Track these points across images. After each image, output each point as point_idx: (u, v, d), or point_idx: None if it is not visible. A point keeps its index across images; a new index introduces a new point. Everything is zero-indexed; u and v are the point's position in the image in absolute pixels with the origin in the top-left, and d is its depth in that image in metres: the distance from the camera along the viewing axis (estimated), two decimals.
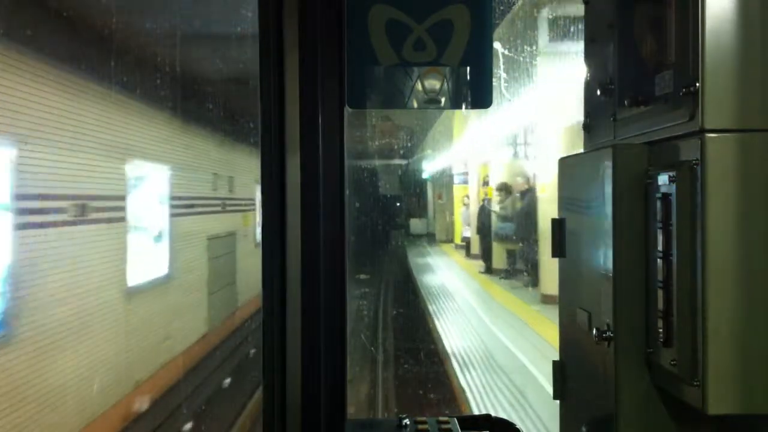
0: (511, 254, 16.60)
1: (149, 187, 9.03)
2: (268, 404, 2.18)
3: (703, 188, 1.24)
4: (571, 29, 11.41)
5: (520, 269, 15.65)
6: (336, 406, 2.22)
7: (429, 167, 29.89)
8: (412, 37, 2.15)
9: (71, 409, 5.88)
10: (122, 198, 7.78)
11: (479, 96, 2.22)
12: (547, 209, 12.13)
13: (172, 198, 9.99)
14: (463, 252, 23.35)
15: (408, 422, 2.03)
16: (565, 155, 1.92)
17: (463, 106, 2.25)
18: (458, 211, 25.09)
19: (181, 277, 10.19)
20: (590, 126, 1.87)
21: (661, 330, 1.34)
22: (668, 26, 1.38)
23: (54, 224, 5.80)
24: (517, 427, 2.24)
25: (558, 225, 1.84)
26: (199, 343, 10.35)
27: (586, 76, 1.87)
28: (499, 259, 17.35)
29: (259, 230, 15.69)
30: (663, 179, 1.33)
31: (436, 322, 12.31)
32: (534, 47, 12.80)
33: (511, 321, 11.52)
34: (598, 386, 1.57)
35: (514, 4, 12.61)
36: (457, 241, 25.16)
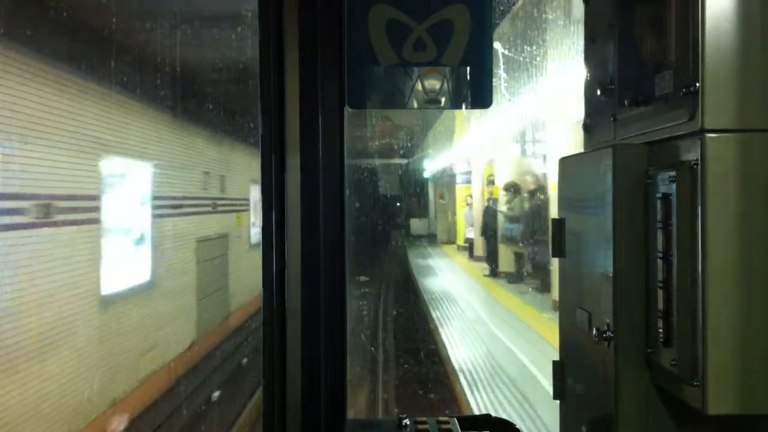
0: (519, 257, 15.73)
1: (129, 185, 8.43)
2: (268, 404, 2.18)
3: (703, 188, 1.24)
4: None
5: (529, 273, 14.72)
6: (336, 406, 2.22)
7: (430, 166, 29.36)
8: (412, 37, 2.15)
9: None
10: (96, 198, 7.16)
11: (479, 96, 2.22)
12: None
13: (156, 198, 9.38)
14: (465, 254, 22.49)
15: (408, 422, 2.03)
16: (565, 155, 1.92)
17: (463, 106, 2.25)
18: (461, 211, 24.34)
19: (166, 282, 9.57)
20: (590, 126, 1.87)
21: (661, 330, 1.34)
22: (668, 26, 1.38)
23: (8, 227, 5.10)
24: (517, 427, 2.24)
25: (558, 225, 1.84)
26: (184, 354, 9.68)
27: (586, 76, 1.87)
28: (506, 261, 16.47)
29: (253, 231, 14.96)
30: (663, 179, 1.33)
31: (441, 331, 11.39)
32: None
33: (524, 331, 10.35)
34: (598, 386, 1.57)
35: (514, 4, 12.59)
36: (460, 242, 24.47)
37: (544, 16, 12.39)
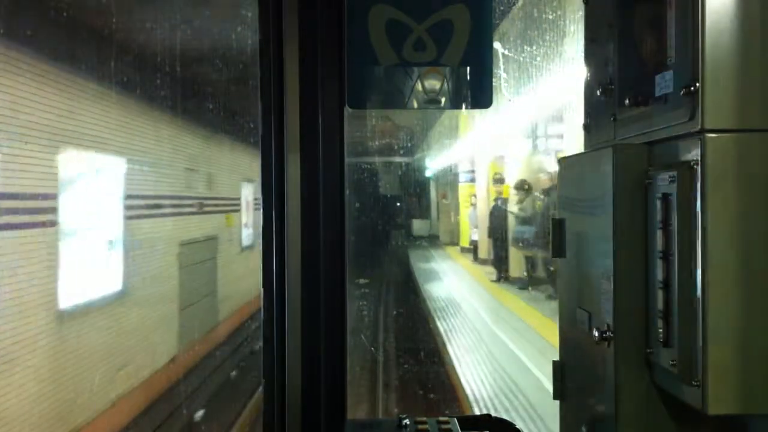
0: (530, 261, 14.39)
1: (96, 183, 7.45)
2: (268, 404, 2.18)
3: (703, 188, 1.24)
4: None
5: (542, 279, 13.31)
6: (336, 406, 2.22)
7: (432, 165, 28.52)
8: (412, 37, 2.15)
9: None
10: (53, 197, 6.29)
11: (479, 96, 2.22)
12: None
13: (129, 197, 8.27)
14: (469, 256, 21.22)
15: (408, 422, 2.03)
16: (565, 155, 1.92)
17: (463, 106, 2.25)
18: (464, 211, 23.19)
19: (141, 291, 8.52)
20: (590, 126, 1.87)
21: (661, 330, 1.34)
22: (668, 26, 1.38)
23: None
24: (517, 427, 2.24)
25: (558, 225, 1.84)
26: (163, 370, 8.63)
27: (586, 76, 1.87)
28: (516, 266, 15.17)
29: (245, 233, 14.46)
30: (663, 179, 1.33)
31: (449, 346, 10.01)
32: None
33: (547, 350, 8.40)
34: (598, 386, 1.57)
35: (514, 4, 12.54)
36: (464, 243, 23.22)
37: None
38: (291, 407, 2.16)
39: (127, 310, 8.03)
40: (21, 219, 5.82)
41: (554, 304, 11.24)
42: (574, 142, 10.49)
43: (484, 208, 19.61)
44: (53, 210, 6.33)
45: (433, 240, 27.26)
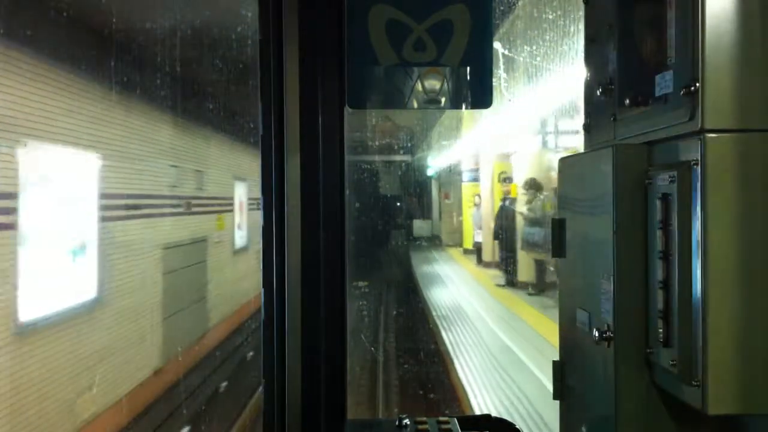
0: (541, 265, 13.46)
1: (63, 181, 6.66)
2: (268, 404, 2.18)
3: (703, 188, 1.24)
4: None
5: (553, 284, 11.74)
6: (336, 406, 2.22)
7: (434, 163, 27.60)
8: (412, 37, 2.15)
9: None
10: (11, 196, 5.69)
11: (479, 96, 2.22)
12: None
13: (103, 196, 7.49)
14: (473, 258, 20.25)
15: (408, 422, 2.03)
16: (565, 155, 1.92)
17: (463, 107, 2.25)
18: (467, 211, 22.14)
19: (118, 301, 7.78)
20: (590, 126, 1.87)
21: (661, 330, 1.34)
22: (668, 26, 1.38)
23: None
24: (517, 427, 2.24)
25: (558, 225, 1.84)
26: (141, 389, 7.86)
27: (586, 76, 1.87)
28: (525, 270, 14.02)
29: (238, 234, 13.84)
30: (663, 179, 1.33)
31: (458, 364, 8.84)
32: None
33: None
34: (598, 386, 1.57)
35: (514, 4, 12.53)
36: (467, 245, 22.23)
37: None
38: (291, 407, 2.16)
39: (94, 324, 7.22)
40: None
41: None
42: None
43: (488, 209, 18.86)
44: (13, 211, 5.73)
45: (434, 241, 26.56)
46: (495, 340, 10.17)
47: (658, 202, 1.34)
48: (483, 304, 13.04)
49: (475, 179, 21.63)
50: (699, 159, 1.25)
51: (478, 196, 20.43)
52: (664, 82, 1.38)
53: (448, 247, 24.84)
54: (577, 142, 11.58)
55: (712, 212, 1.24)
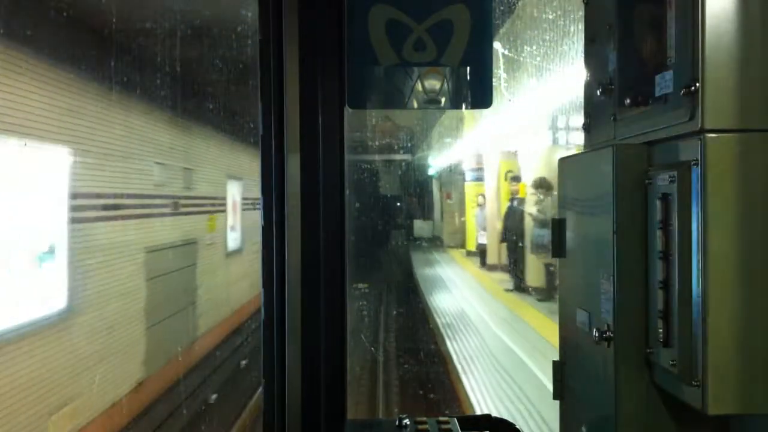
0: (551, 269, 12.61)
1: (23, 178, 6.04)
2: (268, 404, 2.18)
3: (703, 188, 1.24)
4: None
5: None
6: (336, 406, 2.22)
7: (436, 162, 26.85)
8: (412, 37, 2.15)
9: None
10: None
11: (479, 96, 2.22)
12: None
13: (75, 196, 6.85)
14: (476, 261, 19.31)
15: (408, 422, 2.03)
16: (565, 155, 1.92)
17: (463, 107, 2.25)
18: (470, 212, 21.34)
19: (94, 309, 7.11)
20: (590, 126, 1.87)
21: (661, 330, 1.34)
22: (668, 26, 1.38)
23: None
24: (517, 427, 2.24)
25: (558, 225, 1.85)
26: (119, 406, 7.19)
27: (586, 76, 1.87)
28: (535, 274, 13.21)
29: (231, 236, 13.31)
30: (663, 179, 1.33)
31: (468, 383, 8.01)
32: None
33: None
34: (598, 386, 1.57)
35: (514, 4, 12.51)
36: (470, 247, 21.41)
37: None
38: (291, 407, 2.16)
39: (62, 337, 6.48)
40: None
41: None
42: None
43: (494, 209, 18.10)
44: None
45: (435, 242, 25.78)
46: (511, 357, 8.84)
47: (658, 202, 1.34)
48: (493, 312, 11.87)
49: (479, 179, 20.88)
50: (699, 159, 1.25)
51: (482, 196, 19.75)
52: (664, 82, 1.38)
53: (450, 249, 23.98)
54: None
55: (712, 212, 1.24)
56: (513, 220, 14.72)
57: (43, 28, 6.46)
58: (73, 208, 6.84)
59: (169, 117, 9.79)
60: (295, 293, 2.16)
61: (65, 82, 6.87)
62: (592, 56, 1.85)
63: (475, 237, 20.24)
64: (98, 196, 7.53)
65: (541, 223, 13.05)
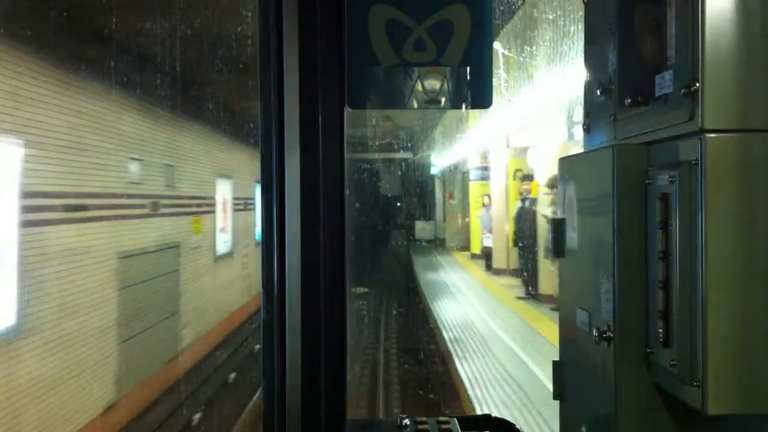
0: None
1: None
2: (268, 404, 2.18)
3: (703, 188, 1.24)
4: None
5: None
6: (336, 406, 2.22)
7: (438, 161, 25.99)
8: (412, 37, 2.15)
9: None
10: None
11: (479, 96, 2.22)
12: None
13: (26, 195, 5.99)
14: (481, 264, 18.60)
15: (408, 422, 2.03)
16: (565, 155, 1.92)
17: (463, 107, 2.25)
18: (474, 213, 20.49)
19: (52, 326, 6.17)
20: (590, 126, 1.87)
21: (661, 330, 1.34)
22: (668, 26, 1.38)
23: None
24: (517, 427, 2.24)
25: (558, 225, 1.85)
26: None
27: (586, 77, 1.87)
28: (549, 281, 12.15)
29: (221, 239, 12.58)
30: (663, 179, 1.33)
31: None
32: None
33: None
34: (598, 386, 1.57)
35: (514, 4, 12.51)
36: (474, 250, 20.66)
37: None
38: (291, 407, 2.16)
39: (14, 358, 5.62)
40: None
41: None
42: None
43: (501, 210, 17.47)
44: None
45: (437, 244, 24.99)
46: (539, 388, 7.41)
47: (658, 202, 1.34)
48: (501, 321, 10.75)
49: (484, 178, 20.12)
50: (699, 159, 1.25)
51: (488, 196, 19.04)
52: (664, 82, 1.38)
53: (454, 251, 22.93)
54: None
55: (712, 212, 1.24)
56: (524, 222, 13.83)
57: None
58: (25, 209, 6.01)
59: (149, 108, 8.71)
60: (295, 293, 2.16)
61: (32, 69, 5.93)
62: (592, 56, 1.85)
63: (480, 239, 19.51)
64: (45, 195, 6.54)
65: None
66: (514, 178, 16.58)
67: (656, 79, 1.42)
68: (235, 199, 14.08)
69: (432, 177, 27.65)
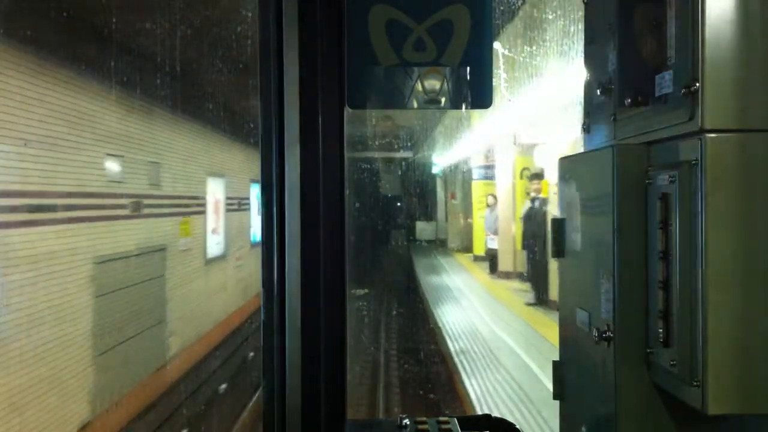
0: None
1: None
2: (268, 404, 2.18)
3: (703, 188, 1.24)
4: None
5: None
6: (336, 406, 2.22)
7: (439, 160, 25.43)
8: (412, 37, 2.15)
9: None
10: None
11: (479, 96, 2.22)
12: None
13: None
14: (485, 267, 17.90)
15: (408, 422, 2.03)
16: (565, 155, 1.92)
17: (463, 107, 2.25)
18: (478, 213, 19.76)
19: (17, 341, 5.67)
20: (590, 126, 1.87)
21: (661, 330, 1.34)
22: (668, 26, 1.38)
23: None
24: (517, 427, 2.24)
25: (558, 225, 1.85)
26: None
27: (586, 77, 1.87)
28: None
29: (212, 241, 12.00)
30: (663, 179, 1.33)
31: None
32: None
33: None
34: (598, 386, 1.57)
35: (514, 4, 12.49)
36: (477, 251, 19.96)
37: None
38: (291, 407, 2.16)
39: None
40: None
41: None
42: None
43: (507, 210, 16.72)
44: None
45: (439, 245, 24.36)
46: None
47: (658, 202, 1.34)
48: (512, 330, 9.84)
49: (487, 177, 19.44)
50: (699, 159, 1.25)
51: (493, 196, 18.31)
52: (664, 82, 1.38)
53: (456, 253, 22.22)
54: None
55: (712, 212, 1.24)
56: (534, 223, 13.04)
57: None
58: None
59: (130, 102, 8.11)
60: (295, 293, 2.17)
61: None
62: (592, 56, 1.85)
63: (483, 240, 18.88)
64: (8, 194, 6.02)
65: None
66: (521, 177, 16.01)
67: (656, 79, 1.42)
68: (229, 198, 13.48)
69: (433, 176, 27.39)
